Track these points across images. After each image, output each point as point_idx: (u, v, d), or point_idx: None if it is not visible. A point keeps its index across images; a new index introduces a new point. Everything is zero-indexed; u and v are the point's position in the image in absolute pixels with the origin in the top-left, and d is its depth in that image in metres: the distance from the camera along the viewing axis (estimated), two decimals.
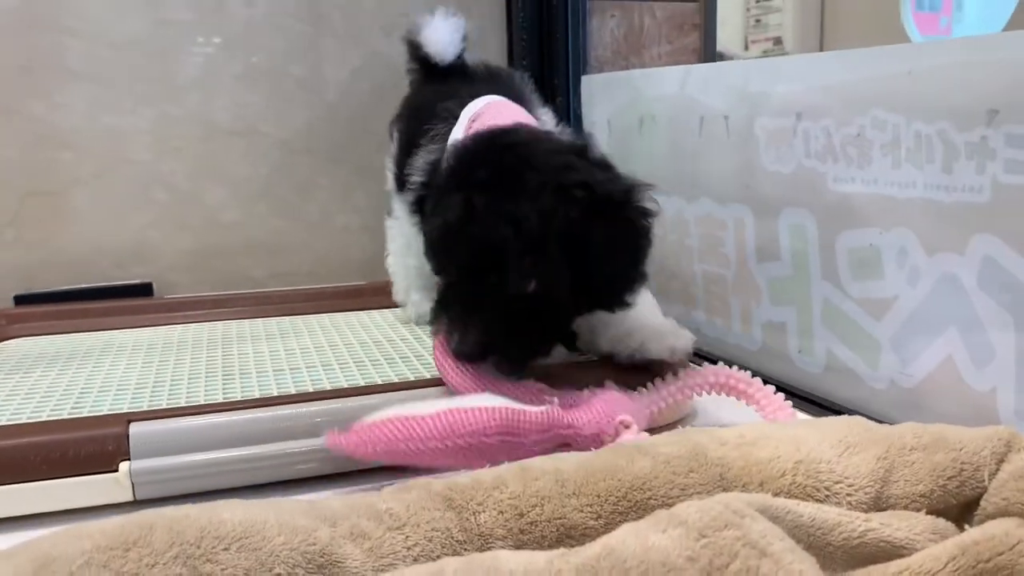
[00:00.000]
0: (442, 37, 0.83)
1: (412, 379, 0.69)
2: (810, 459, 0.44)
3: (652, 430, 0.57)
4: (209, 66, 0.99)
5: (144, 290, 0.99)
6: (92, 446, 0.55)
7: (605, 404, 0.57)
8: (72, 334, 0.89)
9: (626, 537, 0.35)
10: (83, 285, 0.98)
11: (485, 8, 1.11)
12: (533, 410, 0.55)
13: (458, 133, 0.68)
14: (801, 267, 0.71)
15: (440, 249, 0.61)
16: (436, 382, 0.64)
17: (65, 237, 0.98)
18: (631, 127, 0.93)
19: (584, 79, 1.04)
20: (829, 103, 0.66)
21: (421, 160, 0.72)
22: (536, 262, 0.57)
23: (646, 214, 0.62)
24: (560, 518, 0.42)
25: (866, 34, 1.90)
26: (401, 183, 0.78)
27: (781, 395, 0.61)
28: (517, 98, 0.75)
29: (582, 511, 0.43)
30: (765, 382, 0.75)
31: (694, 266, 0.86)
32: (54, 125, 0.96)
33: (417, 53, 0.87)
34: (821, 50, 1.99)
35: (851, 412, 0.67)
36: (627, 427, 0.56)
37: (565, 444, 0.55)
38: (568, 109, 1.09)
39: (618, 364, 0.67)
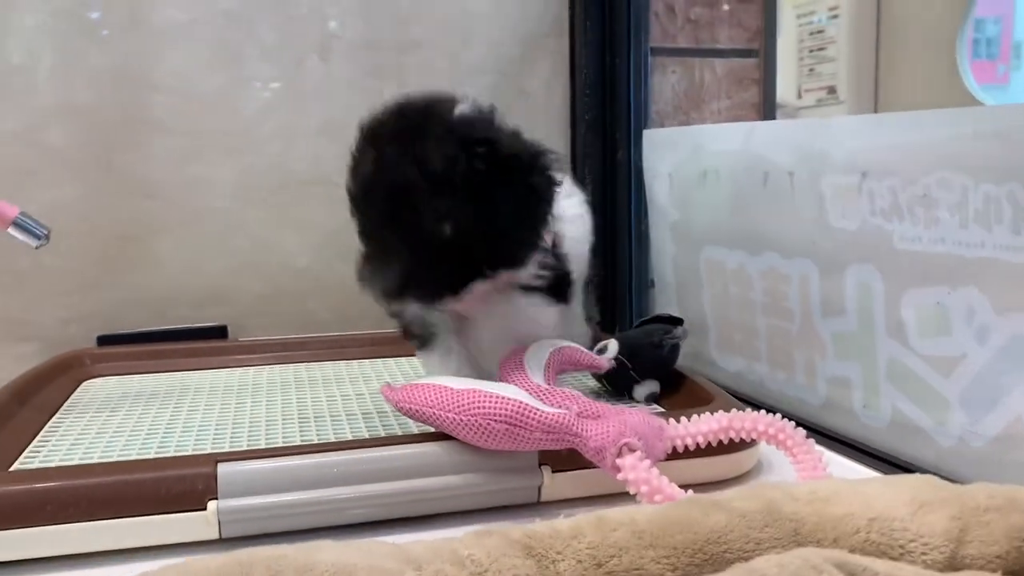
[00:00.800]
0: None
1: None
2: (884, 516, 0.45)
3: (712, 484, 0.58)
4: (288, 120, 1.04)
5: (220, 332, 1.03)
6: (182, 485, 0.57)
7: (619, 424, 0.59)
8: (151, 374, 0.94)
9: None
10: (162, 327, 1.02)
11: (549, 64, 1.15)
12: (547, 410, 0.59)
13: None
14: (866, 323, 0.72)
15: (360, 201, 0.66)
16: None
17: (147, 280, 1.02)
18: (693, 180, 0.95)
19: (646, 133, 1.07)
20: (894, 163, 0.67)
21: None
22: (446, 204, 0.62)
23: (550, 180, 0.66)
24: (638, 569, 0.44)
25: (921, 83, 1.89)
26: None
27: (821, 453, 0.62)
28: None
29: (659, 563, 0.44)
30: (830, 438, 0.77)
31: (757, 319, 0.87)
32: (143, 175, 1.01)
33: None
34: (876, 99, 1.99)
35: (918, 469, 0.67)
36: (632, 450, 0.57)
37: (573, 450, 0.60)
38: (629, 162, 1.11)
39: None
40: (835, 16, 2.06)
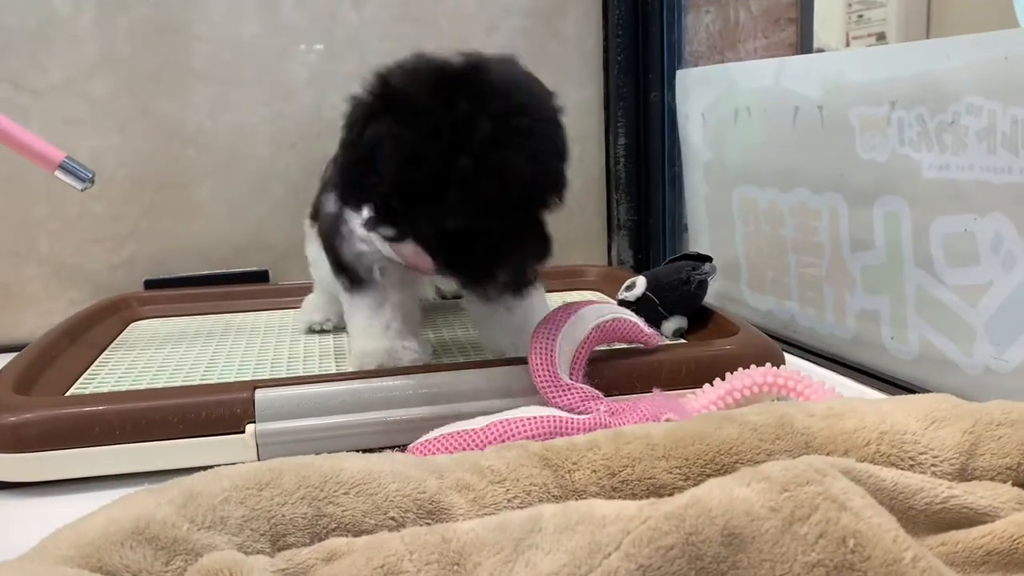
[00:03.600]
0: None
1: (509, 357, 0.72)
2: (895, 430, 0.46)
3: None
4: (321, 67, 1.06)
5: (261, 276, 1.06)
6: (222, 409, 0.60)
7: (651, 407, 0.59)
8: (196, 316, 0.97)
9: (712, 489, 0.37)
10: (206, 272, 1.05)
11: (581, 6, 1.14)
12: (579, 418, 0.58)
13: None
14: (895, 255, 0.72)
15: (382, 160, 0.59)
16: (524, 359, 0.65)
17: (191, 227, 1.05)
18: (726, 120, 0.95)
19: (679, 73, 1.06)
20: (923, 91, 0.66)
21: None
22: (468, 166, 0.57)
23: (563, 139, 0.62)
24: (650, 478, 0.45)
25: (975, 26, 1.83)
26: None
27: (832, 388, 0.62)
28: None
29: (671, 472, 0.45)
30: (858, 371, 0.77)
31: (788, 257, 0.87)
32: (182, 123, 1.03)
33: None
34: None
35: None
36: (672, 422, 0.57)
37: None
38: (663, 103, 1.11)
39: (670, 372, 0.67)
40: None
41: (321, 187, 0.83)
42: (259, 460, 0.59)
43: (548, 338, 0.62)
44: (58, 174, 0.77)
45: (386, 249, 0.70)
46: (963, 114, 0.63)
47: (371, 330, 0.72)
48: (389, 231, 0.63)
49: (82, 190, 0.78)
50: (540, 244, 0.63)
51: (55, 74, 0.99)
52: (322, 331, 0.87)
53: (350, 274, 0.73)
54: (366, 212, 0.64)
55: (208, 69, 1.03)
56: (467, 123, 0.57)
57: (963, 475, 0.45)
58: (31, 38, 0.98)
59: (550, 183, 0.61)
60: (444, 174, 0.57)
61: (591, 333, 0.64)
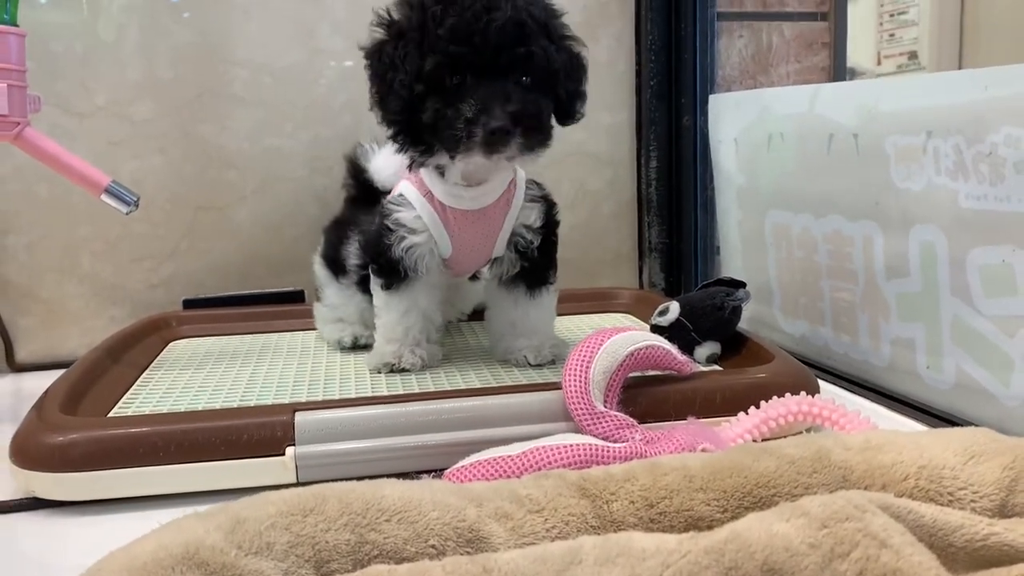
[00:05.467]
0: (390, 165, 0.86)
1: (551, 381, 0.73)
2: (933, 465, 0.46)
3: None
4: (359, 91, 1.07)
5: (296, 297, 1.08)
6: (263, 432, 0.61)
7: (687, 435, 0.59)
8: (233, 336, 0.99)
9: (751, 524, 0.38)
10: (242, 292, 1.07)
11: (614, 29, 1.15)
12: (615, 446, 0.58)
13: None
14: (930, 284, 0.72)
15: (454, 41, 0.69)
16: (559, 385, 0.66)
17: (228, 247, 1.07)
18: (759, 145, 0.95)
19: (712, 98, 1.07)
20: (960, 121, 0.66)
21: (354, 247, 0.87)
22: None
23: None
24: (688, 510, 0.45)
25: (1009, 45, 1.82)
26: (337, 269, 0.90)
27: (868, 418, 0.62)
28: None
29: (709, 505, 0.46)
30: (893, 399, 0.77)
31: (821, 282, 0.87)
32: (222, 146, 1.06)
33: (359, 175, 0.92)
34: (960, 64, 1.92)
35: None
36: (709, 452, 0.57)
37: None
38: (695, 127, 1.11)
39: (704, 400, 0.67)
40: None
41: (333, 223, 0.93)
42: (298, 482, 0.61)
43: (582, 365, 0.63)
44: (104, 198, 0.79)
45: (431, 218, 0.77)
46: (1001, 145, 0.63)
47: (392, 333, 0.80)
48: (416, 151, 0.74)
49: (127, 213, 0.79)
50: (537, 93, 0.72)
51: (100, 97, 1.02)
52: (354, 347, 0.89)
53: (393, 274, 0.79)
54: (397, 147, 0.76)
55: (248, 94, 1.05)
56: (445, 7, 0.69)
57: (1003, 511, 0.44)
58: (78, 63, 1.01)
59: (528, 20, 0.70)
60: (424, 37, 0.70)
61: (625, 361, 0.64)
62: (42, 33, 0.99)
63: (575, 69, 0.76)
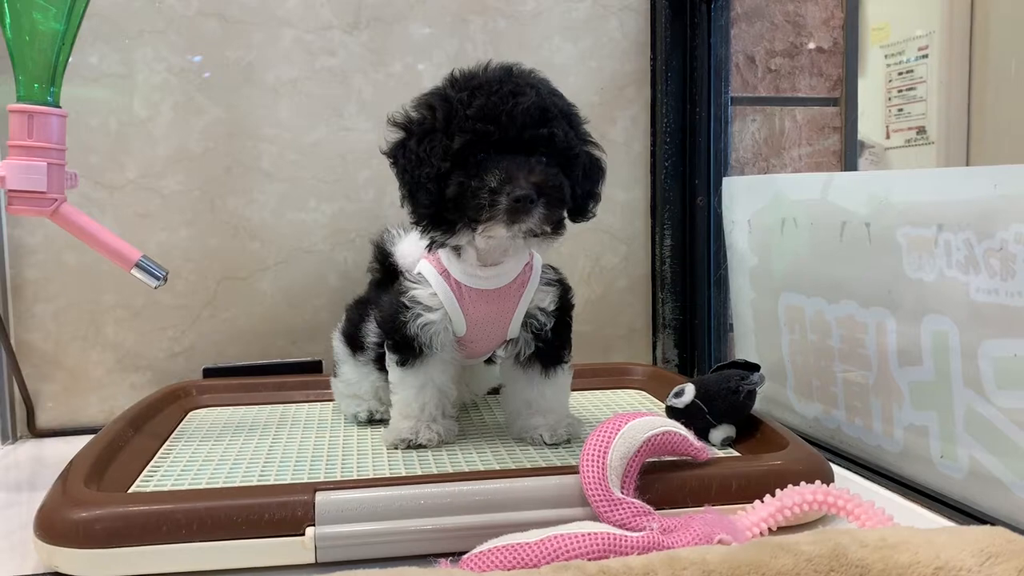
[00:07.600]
0: (415, 251, 0.88)
1: (568, 462, 0.75)
2: (950, 565, 0.46)
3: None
4: (383, 168, 1.10)
5: (314, 367, 1.09)
6: (284, 511, 0.62)
7: (704, 525, 0.59)
8: (252, 406, 1.00)
9: None
10: (262, 361, 1.09)
11: (631, 111, 1.18)
12: (633, 535, 0.58)
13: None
14: (943, 373, 0.73)
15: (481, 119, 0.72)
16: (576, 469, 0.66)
17: (250, 316, 1.09)
18: (772, 228, 0.97)
19: (725, 180, 1.09)
20: (970, 217, 0.68)
21: (372, 325, 0.89)
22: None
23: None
24: None
25: (1017, 121, 1.85)
26: (355, 346, 0.92)
27: (882, 509, 0.62)
28: None
29: None
30: (907, 487, 0.77)
31: (834, 366, 0.88)
32: (247, 218, 1.08)
33: (385, 260, 0.94)
34: (968, 138, 1.95)
35: (994, 521, 0.67)
36: (727, 546, 0.57)
37: None
38: (709, 208, 1.14)
39: (720, 487, 0.68)
40: (924, 56, 2.04)
41: (356, 302, 0.95)
42: (316, 562, 0.62)
43: (600, 451, 0.64)
44: (134, 272, 0.81)
45: (447, 296, 0.80)
46: (1011, 242, 0.64)
47: (408, 409, 0.82)
48: (438, 231, 0.77)
49: (155, 287, 0.82)
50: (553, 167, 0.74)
51: (131, 171, 1.05)
52: (369, 421, 0.91)
53: (408, 350, 0.81)
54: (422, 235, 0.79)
55: (275, 169, 1.08)
56: (463, 101, 0.73)
57: None
58: (111, 138, 1.04)
59: (551, 106, 0.74)
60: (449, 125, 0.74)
61: (643, 446, 0.65)
62: (80, 109, 1.02)
63: (594, 171, 0.80)
